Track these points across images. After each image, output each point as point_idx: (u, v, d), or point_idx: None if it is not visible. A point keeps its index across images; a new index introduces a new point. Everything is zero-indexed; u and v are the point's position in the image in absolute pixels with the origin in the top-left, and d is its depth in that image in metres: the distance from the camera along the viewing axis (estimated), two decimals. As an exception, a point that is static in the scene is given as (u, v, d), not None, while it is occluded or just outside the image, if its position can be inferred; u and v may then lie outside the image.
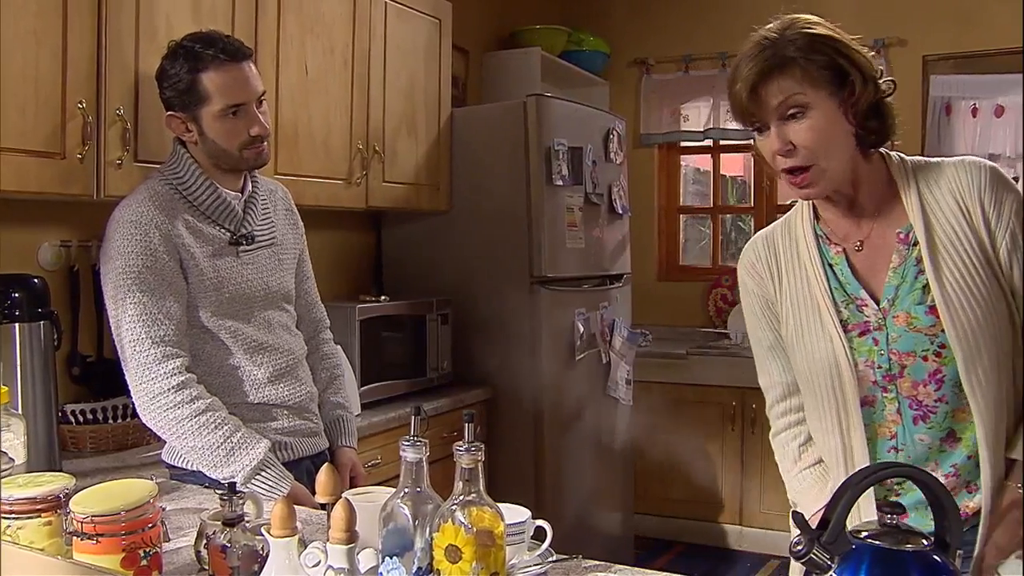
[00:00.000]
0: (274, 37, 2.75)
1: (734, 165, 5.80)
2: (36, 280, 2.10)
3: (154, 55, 2.31)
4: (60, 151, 2.11)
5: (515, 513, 1.43)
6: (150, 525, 1.33)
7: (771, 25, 1.48)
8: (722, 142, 5.00)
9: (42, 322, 2.05)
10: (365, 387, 3.06)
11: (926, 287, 1.44)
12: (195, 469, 1.95)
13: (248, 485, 1.87)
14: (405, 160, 3.41)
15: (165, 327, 1.90)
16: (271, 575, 1.19)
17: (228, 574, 1.30)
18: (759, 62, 1.44)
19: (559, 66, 4.61)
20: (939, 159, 1.51)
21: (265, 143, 2.04)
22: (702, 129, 4.94)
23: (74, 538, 1.30)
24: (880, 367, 1.48)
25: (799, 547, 1.15)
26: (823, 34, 1.45)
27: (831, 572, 1.14)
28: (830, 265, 1.53)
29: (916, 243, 1.45)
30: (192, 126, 1.99)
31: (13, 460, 1.66)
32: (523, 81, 4.34)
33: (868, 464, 1.47)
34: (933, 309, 1.43)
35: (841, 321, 1.50)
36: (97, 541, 1.28)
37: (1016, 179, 4.35)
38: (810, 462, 1.66)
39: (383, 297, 3.34)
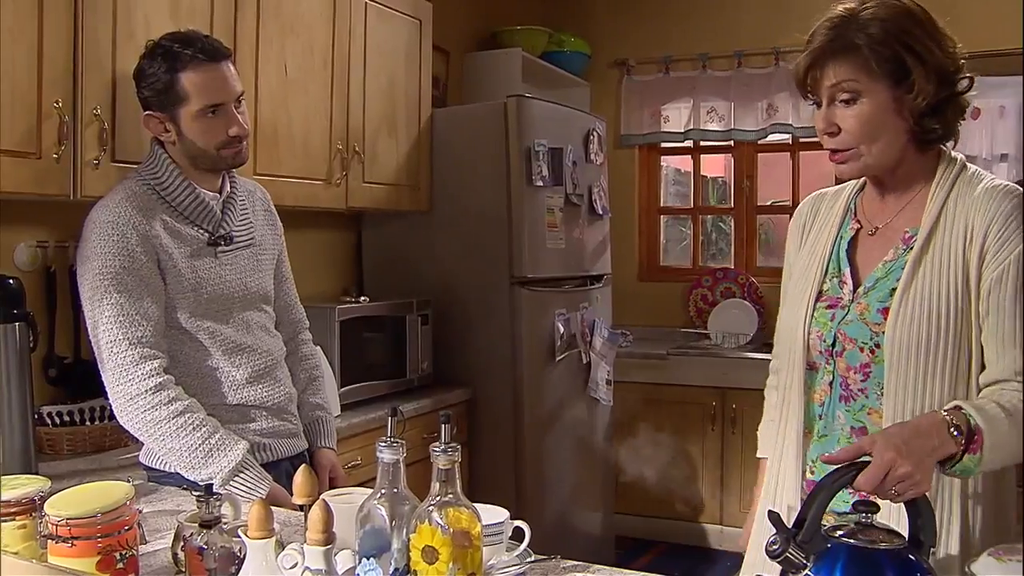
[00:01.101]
0: (253, 37, 2.74)
1: (714, 166, 5.82)
2: (12, 281, 2.08)
3: (132, 54, 2.29)
4: (36, 151, 2.09)
5: (493, 514, 1.44)
6: (126, 528, 1.32)
7: (850, 4, 1.45)
8: (702, 143, 5.02)
9: (17, 323, 2.03)
10: (345, 388, 3.05)
11: (895, 290, 1.46)
12: (173, 471, 1.95)
13: (227, 487, 1.86)
14: (385, 160, 3.40)
15: (143, 328, 1.89)
16: (248, 577, 1.19)
17: (205, 576, 1.30)
18: (825, 40, 1.43)
19: (540, 67, 4.62)
20: (989, 177, 1.50)
21: (244, 143, 2.03)
22: (682, 130, 4.95)
23: (49, 541, 1.29)
24: (825, 340, 1.53)
25: (775, 546, 1.17)
26: (899, 23, 1.41)
27: (807, 571, 1.16)
28: (841, 237, 1.59)
29: (913, 247, 1.47)
30: (170, 126, 1.98)
31: (-12, 463, 1.65)
32: (504, 82, 4.34)
33: (799, 421, 1.55)
34: (886, 310, 1.45)
35: (820, 290, 1.56)
36: (72, 544, 1.27)
37: (1020, 182, 4.39)
38: (770, 417, 1.75)
39: (363, 298, 3.34)
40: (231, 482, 1.88)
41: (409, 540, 1.20)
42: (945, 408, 1.35)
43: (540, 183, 3.53)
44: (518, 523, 1.49)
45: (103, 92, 2.24)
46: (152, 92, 1.97)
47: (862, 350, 1.48)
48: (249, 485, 1.89)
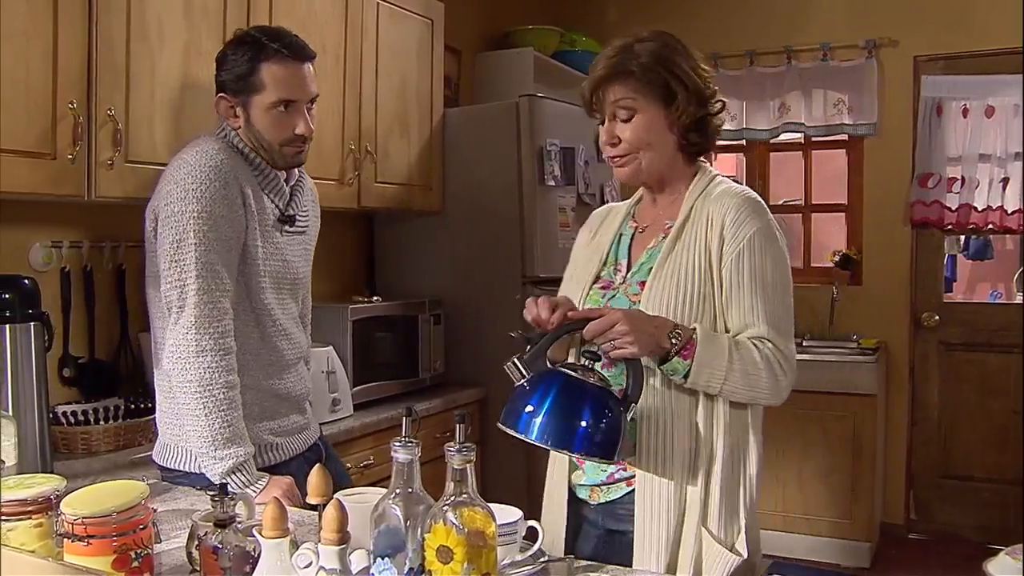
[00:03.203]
0: (266, 37, 2.74)
1: (727, 165, 5.81)
2: (27, 281, 2.09)
3: (145, 55, 2.31)
4: (51, 152, 2.10)
5: (507, 513, 1.44)
6: (141, 526, 1.32)
7: (631, 36, 1.78)
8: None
9: (33, 323, 2.04)
10: (357, 387, 3.05)
11: (652, 268, 1.73)
12: (189, 469, 1.94)
13: (227, 477, 1.83)
14: (397, 160, 3.41)
15: (229, 284, 1.88)
16: (263, 576, 1.19)
17: (220, 575, 1.30)
18: (606, 67, 1.74)
19: (552, 66, 4.61)
20: (730, 184, 1.79)
21: (306, 145, 2.04)
22: (694, 129, 4.93)
23: (65, 540, 1.29)
24: None
25: (507, 360, 1.50)
26: (665, 53, 1.73)
27: (523, 382, 1.49)
28: (621, 235, 1.87)
29: (669, 235, 1.75)
30: (240, 111, 1.99)
31: (4, 462, 1.66)
32: (515, 81, 4.33)
33: None
34: (643, 283, 1.72)
35: (598, 275, 1.84)
36: (88, 543, 1.28)
37: (1006, 178, 4.39)
38: None
39: (375, 297, 3.34)
40: (234, 474, 1.84)
41: (424, 540, 1.20)
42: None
43: (552, 183, 3.53)
44: (532, 523, 1.49)
45: (117, 93, 2.24)
46: (230, 76, 1.98)
47: None
48: (246, 480, 1.86)
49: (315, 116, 2.06)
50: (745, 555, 1.68)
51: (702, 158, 1.83)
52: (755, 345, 1.65)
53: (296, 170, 2.12)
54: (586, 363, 1.52)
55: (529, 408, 1.48)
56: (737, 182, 1.84)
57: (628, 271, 1.80)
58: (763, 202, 1.75)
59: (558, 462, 1.82)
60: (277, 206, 2.03)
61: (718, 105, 1.77)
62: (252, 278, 1.96)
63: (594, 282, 1.83)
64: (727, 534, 1.68)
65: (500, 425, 1.52)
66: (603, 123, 1.78)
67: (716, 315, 1.69)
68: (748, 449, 1.73)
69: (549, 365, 1.57)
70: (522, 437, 1.50)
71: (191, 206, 1.85)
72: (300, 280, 2.13)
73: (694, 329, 1.62)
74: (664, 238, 1.76)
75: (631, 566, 1.65)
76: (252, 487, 1.86)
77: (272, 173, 2.02)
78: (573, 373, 1.51)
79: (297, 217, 2.09)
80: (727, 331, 1.69)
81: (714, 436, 1.68)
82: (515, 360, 1.51)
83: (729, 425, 1.69)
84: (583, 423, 1.47)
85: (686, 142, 1.76)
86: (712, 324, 1.68)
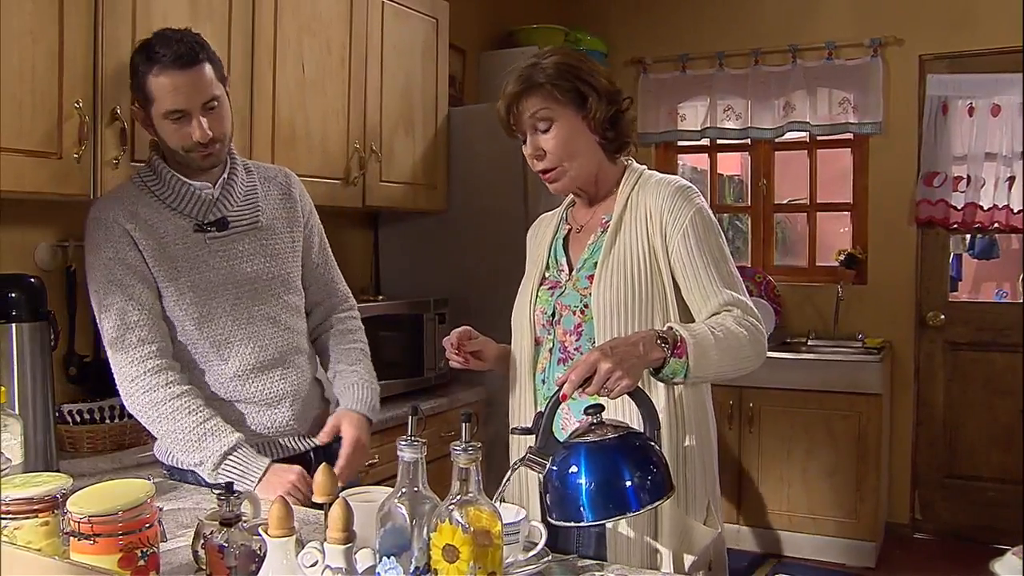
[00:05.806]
0: (271, 37, 2.75)
1: (731, 164, 5.81)
2: (33, 280, 2.10)
3: (151, 55, 2.31)
4: (56, 151, 2.11)
5: (510, 512, 1.44)
6: (147, 525, 1.33)
7: (533, 55, 1.83)
8: (719, 141, 5.00)
9: (39, 322, 2.05)
10: (362, 387, 3.05)
11: (598, 262, 1.77)
12: (185, 468, 1.93)
13: (220, 471, 1.85)
14: (402, 160, 3.41)
15: (138, 315, 1.91)
16: (268, 575, 1.19)
17: (226, 574, 1.30)
18: (515, 85, 1.79)
19: (556, 65, 4.61)
20: (660, 175, 1.84)
21: (216, 145, 1.97)
22: (699, 128, 4.93)
23: (71, 538, 1.30)
24: (546, 313, 1.84)
25: (519, 457, 1.45)
26: (568, 62, 1.78)
27: (549, 465, 1.41)
28: (556, 237, 1.93)
29: (608, 229, 1.80)
30: (148, 121, 1.97)
31: (10, 460, 1.66)
32: (520, 80, 4.33)
33: (530, 393, 1.87)
34: (591, 277, 1.77)
35: (544, 277, 1.90)
36: (94, 541, 1.28)
37: (1012, 177, 4.38)
38: None
39: (380, 297, 3.34)
40: (222, 466, 1.86)
41: (429, 539, 1.20)
42: (660, 327, 1.63)
43: (557, 182, 3.52)
44: (535, 523, 1.49)
45: (122, 92, 2.24)
46: (133, 86, 1.98)
47: (574, 313, 1.78)
48: (242, 467, 1.87)
49: (222, 113, 1.97)
50: (720, 529, 1.76)
51: (628, 157, 1.89)
52: (725, 316, 1.67)
53: (228, 170, 2.06)
54: (593, 420, 1.43)
55: (570, 494, 1.39)
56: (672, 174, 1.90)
57: (571, 269, 1.85)
58: (696, 189, 1.80)
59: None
60: (191, 218, 1.99)
61: (626, 101, 1.84)
62: (176, 294, 1.96)
63: (540, 284, 1.89)
64: (707, 514, 1.75)
65: (554, 522, 1.42)
66: (525, 140, 1.83)
67: (667, 300, 1.73)
68: (709, 427, 1.80)
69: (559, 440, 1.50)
70: (579, 525, 1.42)
71: (89, 258, 1.94)
72: (257, 280, 2.04)
73: (670, 327, 1.60)
74: (604, 232, 1.80)
75: (605, 559, 1.67)
76: (250, 470, 1.87)
77: (181, 185, 1.98)
78: (589, 438, 1.41)
79: (229, 219, 2.02)
80: (679, 317, 1.72)
81: (682, 422, 1.72)
82: (529, 456, 1.43)
83: (693, 409, 1.73)
84: (627, 481, 1.38)
85: (605, 140, 1.81)
86: (663, 313, 1.72)
